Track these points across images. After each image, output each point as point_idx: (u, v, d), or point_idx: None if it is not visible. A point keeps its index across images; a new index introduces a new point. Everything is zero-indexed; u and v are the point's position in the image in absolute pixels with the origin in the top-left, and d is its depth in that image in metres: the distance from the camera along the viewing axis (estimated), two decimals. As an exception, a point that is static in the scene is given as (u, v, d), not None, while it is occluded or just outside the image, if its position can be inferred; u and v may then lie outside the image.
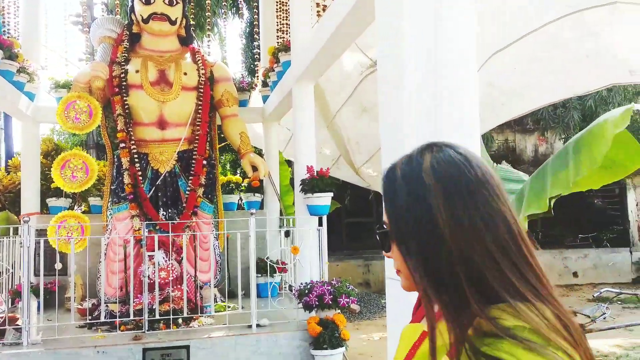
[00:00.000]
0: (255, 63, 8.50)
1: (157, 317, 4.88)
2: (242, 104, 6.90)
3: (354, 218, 12.21)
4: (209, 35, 8.48)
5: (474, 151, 1.01)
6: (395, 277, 2.50)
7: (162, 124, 5.78)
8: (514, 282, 0.88)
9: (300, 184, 5.03)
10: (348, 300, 4.57)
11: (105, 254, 5.48)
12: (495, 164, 2.56)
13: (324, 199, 4.99)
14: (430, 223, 0.92)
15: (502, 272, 0.88)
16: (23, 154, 7.04)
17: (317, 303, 4.56)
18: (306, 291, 4.64)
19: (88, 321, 5.07)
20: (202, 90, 5.91)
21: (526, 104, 5.38)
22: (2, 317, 4.46)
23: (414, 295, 2.15)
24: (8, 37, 6.18)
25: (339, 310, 4.70)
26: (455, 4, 2.35)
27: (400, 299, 2.50)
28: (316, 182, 4.91)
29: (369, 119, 6.63)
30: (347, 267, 11.17)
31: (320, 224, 5.14)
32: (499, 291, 0.88)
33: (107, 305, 5.10)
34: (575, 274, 12.83)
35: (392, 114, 2.61)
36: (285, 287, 6.52)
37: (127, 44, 5.91)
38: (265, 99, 7.10)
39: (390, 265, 2.60)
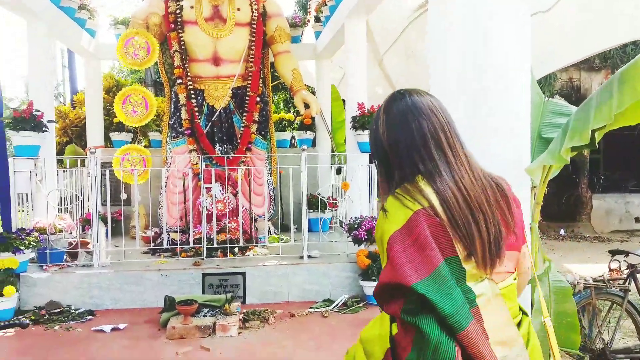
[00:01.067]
0: (309, -2, 8.35)
1: (215, 245, 5.17)
2: (295, 40, 6.87)
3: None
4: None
5: (426, 97, 1.50)
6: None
7: (216, 60, 5.87)
8: (419, 170, 1.40)
9: (351, 121, 5.06)
10: (396, 235, 4.67)
11: (165, 186, 5.76)
12: (546, 97, 2.48)
13: (372, 136, 5.01)
14: (380, 141, 1.46)
15: (412, 167, 1.42)
16: (86, 89, 7.35)
17: (366, 237, 4.69)
18: (356, 225, 4.77)
19: (151, 247, 5.43)
20: (255, 26, 5.92)
21: (588, 47, 5.16)
22: (74, 241, 4.83)
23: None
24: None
25: (388, 245, 4.81)
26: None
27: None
28: (367, 119, 4.92)
29: (415, 64, 6.50)
30: (397, 206, 11.23)
31: (370, 161, 5.19)
32: (410, 177, 1.41)
33: (168, 234, 5.43)
34: (637, 219, 12.42)
35: (440, 65, 2.55)
36: (336, 223, 6.70)
37: (182, -21, 5.94)
38: (317, 35, 7.04)
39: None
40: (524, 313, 1.52)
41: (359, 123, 4.96)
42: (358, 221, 4.79)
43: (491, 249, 1.38)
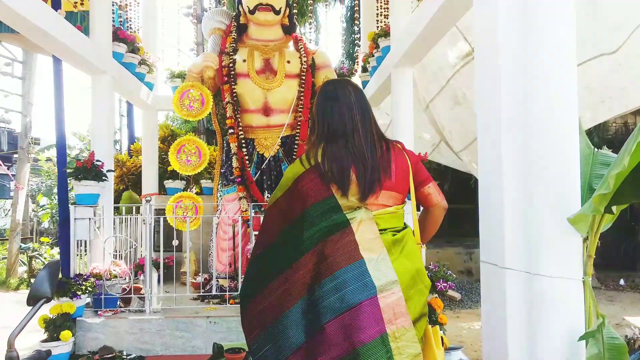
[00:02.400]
0: (355, 49, 8.57)
1: (262, 292, 5.19)
2: (342, 90, 7.02)
3: (454, 204, 11.93)
4: (310, 21, 8.70)
5: (347, 85, 2.28)
6: (490, 261, 2.52)
7: (267, 111, 6.06)
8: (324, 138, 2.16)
9: (399, 169, 5.08)
10: (446, 285, 4.58)
11: (215, 233, 5.89)
12: (595, 149, 2.46)
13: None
14: (312, 115, 2.26)
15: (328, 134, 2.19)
16: (143, 139, 7.70)
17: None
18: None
19: (201, 294, 5.52)
20: (304, 78, 6.11)
21: (631, 101, 5.11)
22: (128, 287, 4.98)
23: (509, 282, 2.19)
24: (131, 32, 6.77)
25: (437, 295, 4.72)
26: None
27: (495, 285, 2.51)
28: (414, 167, 4.93)
29: (463, 111, 6.52)
30: (446, 255, 11.02)
31: (418, 209, 5.15)
32: (317, 143, 2.16)
33: (217, 280, 5.51)
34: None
35: (488, 105, 2.60)
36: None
37: (235, 34, 6.23)
38: (365, 84, 7.18)
39: (485, 249, 2.61)
40: (406, 227, 2.26)
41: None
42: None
43: (365, 189, 2.08)
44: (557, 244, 2.29)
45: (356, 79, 7.46)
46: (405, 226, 2.27)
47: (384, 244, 2.05)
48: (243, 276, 2.50)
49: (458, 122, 6.86)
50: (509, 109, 2.44)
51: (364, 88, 7.24)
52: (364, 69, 7.05)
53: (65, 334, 4.25)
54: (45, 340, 4.26)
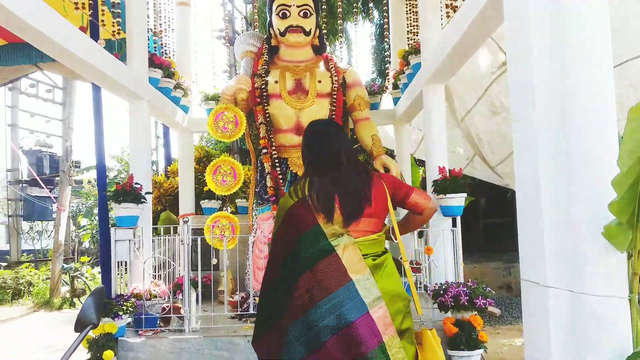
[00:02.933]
0: (386, 65, 8.60)
1: (299, 311, 5.20)
2: (374, 106, 7.05)
3: (491, 218, 11.76)
4: (340, 40, 8.78)
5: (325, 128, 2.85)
6: (531, 279, 2.48)
7: (299, 130, 6.12)
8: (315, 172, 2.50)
9: (432, 185, 5.05)
10: (485, 302, 4.51)
11: (252, 252, 5.94)
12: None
13: (457, 200, 4.95)
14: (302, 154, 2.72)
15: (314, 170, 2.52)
16: (180, 160, 7.87)
17: (452, 303, 4.55)
18: (441, 292, 4.66)
19: (239, 313, 5.57)
20: (335, 97, 6.15)
21: None
22: (167, 307, 5.06)
23: (552, 301, 2.17)
24: (166, 57, 6.96)
25: (476, 312, 4.65)
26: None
27: (537, 303, 2.46)
28: (449, 183, 4.89)
29: (501, 121, 6.44)
30: (485, 270, 10.82)
31: (454, 224, 5.11)
32: (304, 177, 2.55)
33: (254, 299, 5.55)
34: None
35: (523, 118, 2.58)
36: (420, 288, 6.56)
37: (267, 56, 6.34)
38: (396, 101, 7.18)
39: (526, 266, 2.57)
40: (386, 252, 2.56)
41: (441, 187, 4.93)
42: (444, 287, 4.68)
43: (347, 218, 2.41)
44: (599, 261, 2.23)
45: (387, 96, 7.48)
46: (385, 251, 2.58)
47: (368, 267, 2.38)
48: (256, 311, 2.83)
49: (496, 132, 6.78)
50: (544, 124, 2.42)
51: (395, 105, 7.26)
52: (395, 86, 7.06)
53: (108, 353, 4.35)
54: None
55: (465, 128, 7.07)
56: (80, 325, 1.51)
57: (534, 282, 2.47)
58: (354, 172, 2.53)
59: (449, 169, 5.02)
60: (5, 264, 15.44)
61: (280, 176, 6.07)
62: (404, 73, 6.35)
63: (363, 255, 2.39)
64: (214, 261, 5.62)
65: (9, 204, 14.72)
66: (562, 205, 2.35)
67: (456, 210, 4.97)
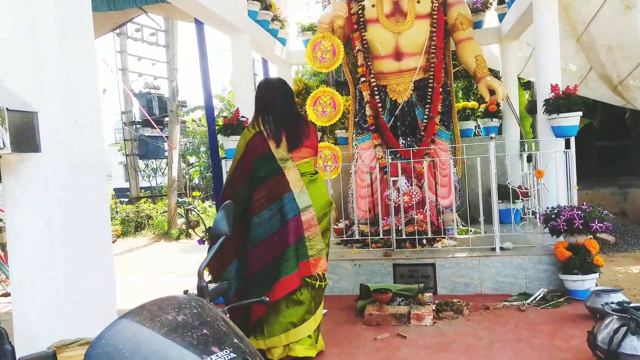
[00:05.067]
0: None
1: (404, 237, 5.28)
2: (477, 25, 6.66)
3: (606, 141, 10.95)
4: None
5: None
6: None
7: (398, 55, 5.96)
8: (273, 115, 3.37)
9: (544, 104, 4.75)
10: (602, 225, 4.29)
11: (354, 181, 6.03)
12: None
13: (572, 119, 4.64)
14: (255, 99, 3.51)
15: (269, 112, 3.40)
16: (280, 94, 7.99)
17: (565, 228, 4.38)
18: (553, 215, 4.49)
19: (344, 238, 5.75)
20: (435, 17, 5.88)
21: None
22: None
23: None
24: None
25: (591, 236, 4.45)
26: None
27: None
28: (562, 101, 4.59)
29: (635, 17, 5.75)
30: (598, 196, 10.20)
31: (567, 146, 4.83)
32: (257, 117, 3.42)
33: (358, 226, 5.69)
34: None
35: None
36: (528, 214, 6.36)
37: (362, -20, 6.14)
38: (501, 17, 6.73)
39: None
40: (317, 172, 3.53)
41: (553, 106, 4.63)
42: (556, 211, 4.50)
43: (291, 146, 3.33)
44: None
45: (491, 13, 7.02)
46: (317, 172, 3.55)
47: (304, 182, 3.36)
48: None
49: (628, 33, 6.05)
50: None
51: (500, 21, 6.81)
52: (500, 1, 6.59)
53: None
54: (210, 282, 4.74)
55: (588, 37, 6.40)
56: (214, 236, 1.64)
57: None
58: (297, 116, 3.47)
59: (562, 88, 4.70)
60: (127, 199, 16.92)
61: (380, 104, 6.01)
62: (510, -14, 5.89)
63: (302, 174, 3.36)
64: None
65: (126, 144, 15.92)
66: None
67: (570, 130, 4.67)
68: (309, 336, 3.36)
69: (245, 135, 3.40)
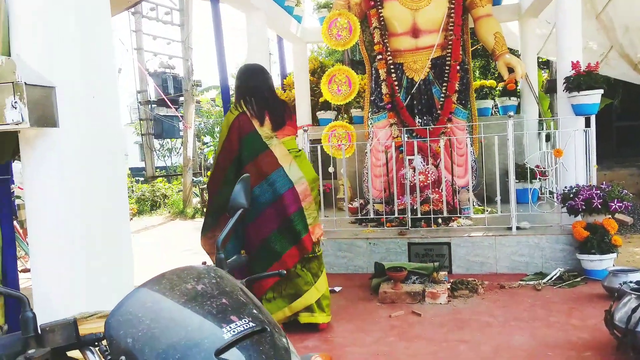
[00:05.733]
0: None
1: (419, 216, 5.27)
2: (496, 2, 6.52)
3: (626, 121, 10.74)
4: None
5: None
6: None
7: (415, 32, 5.88)
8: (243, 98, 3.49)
9: (564, 82, 4.66)
10: (621, 205, 4.23)
11: (369, 160, 6.01)
12: None
13: (593, 97, 4.55)
14: (236, 84, 3.62)
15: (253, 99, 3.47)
16: (295, 72, 7.96)
17: (583, 207, 4.33)
18: (571, 195, 4.44)
19: (359, 217, 5.75)
20: (453, -7, 5.77)
21: None
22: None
23: None
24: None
25: (610, 216, 4.39)
26: None
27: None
28: (583, 79, 4.49)
29: None
30: (616, 176, 10.05)
31: (587, 125, 4.75)
32: (240, 100, 3.51)
33: (373, 205, 5.68)
34: None
35: None
36: (545, 193, 6.29)
37: (380, -45, 6.03)
38: (520, -7, 6.59)
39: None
40: (301, 150, 3.70)
41: (574, 84, 4.54)
42: (574, 190, 4.45)
43: (275, 124, 3.45)
44: None
45: (511, -11, 6.87)
46: (301, 149, 3.69)
47: (291, 158, 3.49)
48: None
49: None
50: None
51: (519, -3, 6.67)
52: (520, -24, 6.45)
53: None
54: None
55: (606, 17, 6.29)
56: (233, 209, 1.64)
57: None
58: (277, 99, 3.61)
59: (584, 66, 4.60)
60: (143, 179, 17.05)
61: (396, 82, 5.94)
62: (531, -40, 5.75)
63: (288, 150, 3.48)
64: (331, 169, 5.79)
65: (141, 124, 15.99)
66: None
67: (591, 108, 4.59)
68: (314, 305, 3.50)
69: (228, 117, 3.50)
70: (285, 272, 1.76)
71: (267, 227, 3.38)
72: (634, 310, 2.74)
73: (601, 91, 4.56)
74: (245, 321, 1.00)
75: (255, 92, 3.49)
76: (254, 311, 1.06)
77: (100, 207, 2.30)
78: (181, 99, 15.37)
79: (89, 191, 2.26)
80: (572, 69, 4.57)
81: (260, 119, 3.40)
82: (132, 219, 12.81)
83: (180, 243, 9.01)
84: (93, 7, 2.33)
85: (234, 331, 0.97)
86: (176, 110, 15.65)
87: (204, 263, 1.42)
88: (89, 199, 2.25)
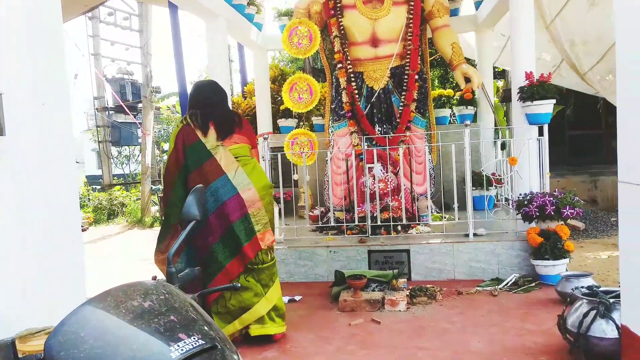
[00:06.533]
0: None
1: (379, 223, 5.30)
2: (453, 13, 6.67)
3: (578, 130, 11.15)
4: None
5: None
6: (632, 180, 2.35)
7: (374, 42, 5.94)
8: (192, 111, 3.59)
9: (519, 92, 4.79)
10: (573, 211, 4.37)
11: (330, 168, 6.02)
12: None
13: (545, 107, 4.69)
14: (189, 100, 3.73)
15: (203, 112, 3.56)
16: (256, 80, 7.92)
17: (537, 214, 4.45)
18: (525, 202, 4.55)
19: (320, 225, 5.75)
20: (412, 4, 5.87)
21: None
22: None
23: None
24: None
25: (562, 222, 4.52)
26: None
27: (635, 204, 2.34)
28: (536, 89, 4.63)
29: (599, 12, 5.85)
30: (569, 183, 10.40)
31: (540, 133, 4.89)
32: (190, 112, 3.61)
33: (334, 213, 5.69)
34: None
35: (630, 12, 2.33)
36: (501, 200, 6.44)
37: (340, -35, 6.07)
38: (477, 5, 6.75)
39: (625, 168, 2.43)
40: (252, 158, 3.61)
41: (527, 94, 4.68)
42: (528, 197, 4.56)
43: (221, 133, 3.46)
44: None
45: (468, 0, 7.04)
46: (252, 159, 3.63)
47: (239, 165, 3.46)
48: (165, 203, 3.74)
49: (592, 29, 6.18)
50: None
51: (477, 9, 6.83)
52: (477, -11, 6.61)
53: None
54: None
55: (555, 30, 6.52)
56: (185, 221, 1.61)
57: (635, 184, 2.34)
58: (227, 110, 3.78)
59: (537, 76, 4.74)
60: (100, 187, 16.62)
61: (356, 91, 5.98)
62: (486, -27, 5.90)
63: (236, 158, 3.47)
64: (296, 177, 5.78)
65: (98, 131, 15.61)
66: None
67: (543, 117, 4.73)
68: (265, 316, 3.44)
69: (174, 129, 3.61)
70: (239, 285, 1.73)
71: (211, 236, 3.36)
72: (585, 315, 2.82)
73: (553, 101, 4.70)
74: (194, 339, 0.98)
75: (201, 105, 3.56)
76: (204, 328, 1.03)
77: (48, 217, 2.22)
78: (140, 105, 15.07)
79: (37, 200, 2.17)
80: (526, 79, 4.70)
81: (204, 130, 3.45)
82: (88, 228, 12.44)
83: (138, 252, 8.80)
84: (44, 11, 2.25)
85: (182, 349, 0.94)
86: (134, 117, 15.34)
87: (154, 278, 1.37)
88: (37, 208, 2.17)
